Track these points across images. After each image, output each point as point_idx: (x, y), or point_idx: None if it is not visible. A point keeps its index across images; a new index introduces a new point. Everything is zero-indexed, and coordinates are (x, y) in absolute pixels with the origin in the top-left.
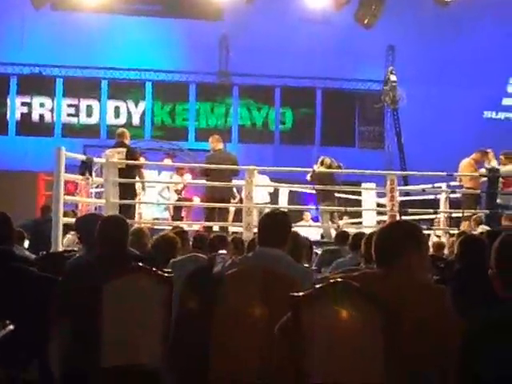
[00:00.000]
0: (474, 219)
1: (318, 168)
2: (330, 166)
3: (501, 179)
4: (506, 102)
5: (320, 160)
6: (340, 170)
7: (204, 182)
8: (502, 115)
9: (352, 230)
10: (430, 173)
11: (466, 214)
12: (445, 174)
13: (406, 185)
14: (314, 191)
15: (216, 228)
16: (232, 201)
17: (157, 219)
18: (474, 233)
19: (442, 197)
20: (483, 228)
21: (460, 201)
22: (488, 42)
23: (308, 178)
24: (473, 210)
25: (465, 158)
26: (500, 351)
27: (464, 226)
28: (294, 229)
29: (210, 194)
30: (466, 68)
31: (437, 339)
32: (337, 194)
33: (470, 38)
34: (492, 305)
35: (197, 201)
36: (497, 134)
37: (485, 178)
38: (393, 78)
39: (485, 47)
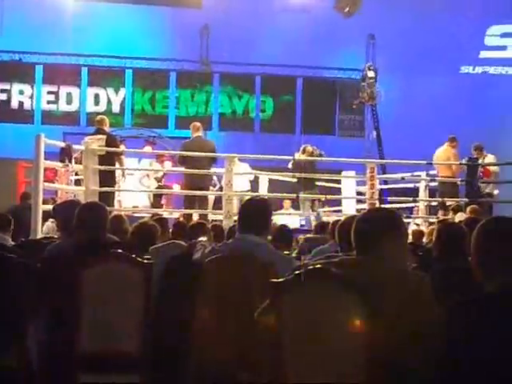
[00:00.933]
0: (452, 208)
1: (299, 156)
2: (311, 154)
3: (480, 168)
4: (484, 55)
5: (302, 148)
6: (321, 158)
7: (184, 169)
8: (479, 69)
9: (332, 219)
10: (409, 161)
11: (448, 203)
12: (424, 162)
13: (385, 173)
14: (294, 179)
15: (196, 216)
16: (212, 189)
17: (136, 207)
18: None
19: (422, 185)
20: (462, 216)
21: (438, 189)
22: None
23: (289, 165)
24: (455, 199)
25: (441, 147)
26: (479, 337)
27: (441, 214)
28: (274, 217)
29: (189, 182)
30: (443, 27)
31: (417, 326)
32: (317, 183)
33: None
34: (472, 292)
35: (177, 188)
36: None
37: (463, 167)
38: (370, 74)
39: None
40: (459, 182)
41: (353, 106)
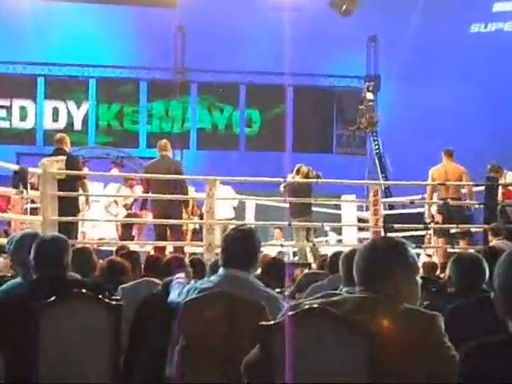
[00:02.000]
0: (490, 229)
1: (293, 178)
2: (307, 176)
3: (501, 189)
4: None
5: (296, 168)
6: (317, 180)
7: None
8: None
9: (332, 250)
10: (420, 182)
11: (463, 230)
12: (437, 183)
13: (388, 197)
14: (286, 205)
15: (170, 249)
16: (189, 216)
17: (103, 239)
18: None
19: (434, 209)
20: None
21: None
22: None
23: (281, 188)
24: (468, 225)
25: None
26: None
27: (462, 243)
28: (264, 248)
29: (156, 209)
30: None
31: (430, 373)
32: (313, 208)
33: None
34: (494, 333)
35: (149, 217)
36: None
37: (478, 188)
38: (369, 96)
39: None
40: (477, 206)
41: (348, 129)
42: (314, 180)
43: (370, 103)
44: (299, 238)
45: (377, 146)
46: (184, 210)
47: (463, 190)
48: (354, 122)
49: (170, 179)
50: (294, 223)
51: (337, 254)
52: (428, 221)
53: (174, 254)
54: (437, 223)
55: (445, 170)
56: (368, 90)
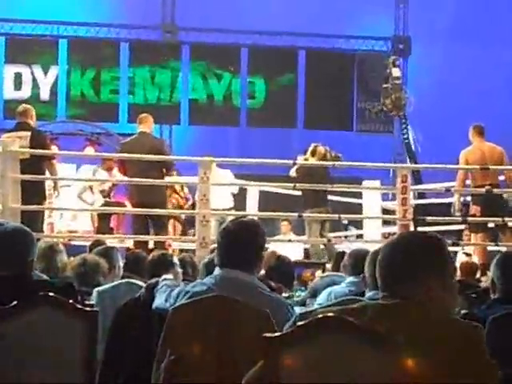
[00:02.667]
0: None
1: (305, 159)
2: (324, 158)
3: None
4: None
5: (311, 149)
6: (335, 163)
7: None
8: None
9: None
10: (456, 166)
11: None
12: (478, 167)
13: (419, 183)
14: (297, 192)
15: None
16: (179, 205)
17: (74, 232)
18: None
19: (463, 199)
20: None
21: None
22: None
23: (292, 173)
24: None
25: (484, 144)
26: None
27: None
28: (269, 244)
29: (134, 197)
30: None
31: None
32: (330, 197)
33: None
34: None
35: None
36: None
37: None
38: (396, 72)
39: None
40: None
41: (371, 109)
42: (331, 163)
43: (397, 81)
44: (312, 233)
45: (405, 131)
46: (174, 197)
47: (500, 177)
48: (378, 95)
49: (151, 161)
50: (305, 215)
51: (357, 253)
52: (458, 214)
53: (159, 251)
54: (473, 216)
55: (482, 152)
56: (394, 65)
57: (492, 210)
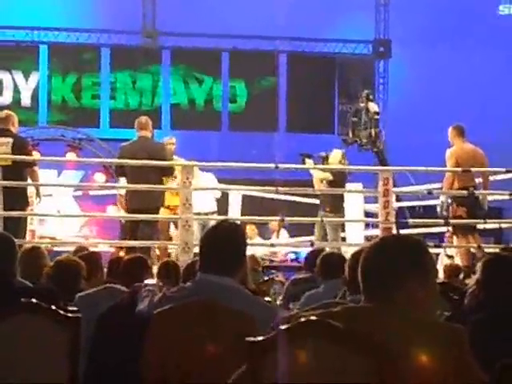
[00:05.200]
0: None
1: (341, 162)
2: (340, 162)
3: None
4: None
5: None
6: (320, 166)
7: (124, 184)
8: None
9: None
10: (441, 168)
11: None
12: (460, 169)
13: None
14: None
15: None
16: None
17: (56, 238)
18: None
19: (444, 200)
20: None
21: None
22: None
23: (328, 176)
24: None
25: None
26: None
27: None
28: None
29: (131, 202)
30: None
31: None
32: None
33: None
34: None
35: (113, 212)
36: None
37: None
38: (372, 107)
39: None
40: (507, 197)
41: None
42: (310, 166)
43: (376, 116)
44: (333, 237)
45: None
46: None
47: (477, 179)
48: (358, 98)
49: (150, 166)
50: (326, 219)
51: (328, 256)
52: (445, 213)
53: (136, 255)
54: (458, 217)
55: (468, 153)
56: (368, 99)
57: (475, 211)
